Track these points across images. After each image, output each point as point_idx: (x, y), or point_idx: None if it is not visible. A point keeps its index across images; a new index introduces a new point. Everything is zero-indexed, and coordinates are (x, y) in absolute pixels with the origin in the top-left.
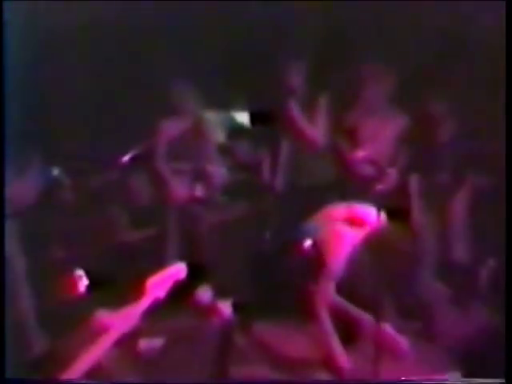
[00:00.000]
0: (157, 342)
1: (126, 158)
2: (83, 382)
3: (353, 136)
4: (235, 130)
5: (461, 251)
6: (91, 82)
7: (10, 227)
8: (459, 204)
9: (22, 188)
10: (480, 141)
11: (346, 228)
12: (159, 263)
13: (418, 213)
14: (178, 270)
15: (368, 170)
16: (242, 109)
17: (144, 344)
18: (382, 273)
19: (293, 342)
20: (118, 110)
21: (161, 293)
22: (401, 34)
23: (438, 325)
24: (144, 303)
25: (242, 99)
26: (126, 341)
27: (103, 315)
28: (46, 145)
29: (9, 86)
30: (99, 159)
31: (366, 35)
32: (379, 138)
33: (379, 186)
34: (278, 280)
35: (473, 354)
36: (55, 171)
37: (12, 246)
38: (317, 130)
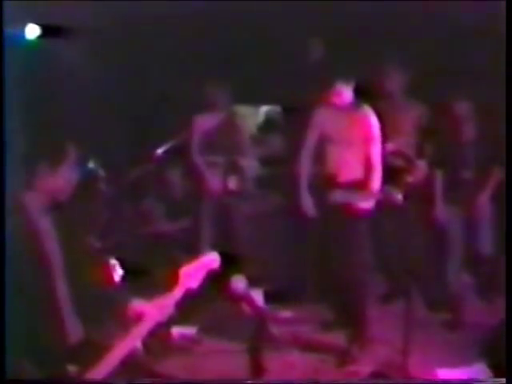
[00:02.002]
0: (190, 331)
1: (161, 151)
2: (87, 381)
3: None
4: (267, 124)
5: (486, 243)
6: (128, 76)
7: (46, 220)
8: (484, 197)
9: (57, 181)
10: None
11: None
12: (193, 254)
13: (444, 205)
14: (212, 259)
15: (397, 162)
16: (274, 103)
17: (178, 333)
18: (409, 263)
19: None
20: (153, 105)
21: (194, 283)
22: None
23: (464, 316)
24: (178, 293)
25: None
26: (161, 330)
27: (138, 304)
28: (81, 138)
29: (39, 79)
30: (135, 152)
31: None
32: (404, 130)
33: (409, 178)
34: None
35: (499, 344)
36: (91, 164)
37: (48, 238)
38: None
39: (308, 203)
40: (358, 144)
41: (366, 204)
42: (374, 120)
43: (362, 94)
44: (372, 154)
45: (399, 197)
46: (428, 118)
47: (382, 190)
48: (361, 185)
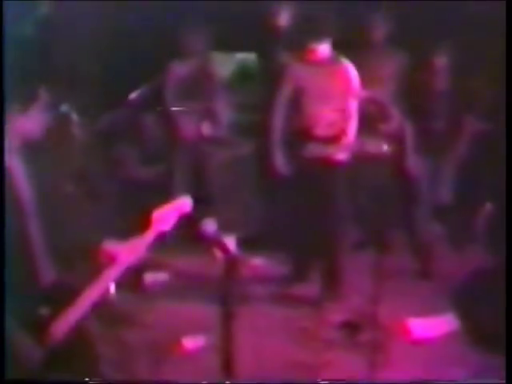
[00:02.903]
0: (162, 276)
1: (134, 96)
2: (88, 382)
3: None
4: (242, 71)
5: (458, 194)
6: (102, 20)
7: (18, 161)
8: (456, 149)
9: (28, 123)
10: (478, 88)
11: None
12: (167, 199)
13: (415, 155)
14: (184, 203)
15: (372, 110)
16: (249, 50)
17: (150, 278)
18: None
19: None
20: (128, 49)
21: (166, 226)
22: None
23: (435, 265)
24: (150, 236)
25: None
26: (133, 274)
27: (110, 246)
28: (54, 81)
29: (16, 20)
30: (109, 97)
31: None
32: (384, 79)
33: (383, 126)
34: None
35: (468, 294)
36: (63, 107)
37: (20, 181)
38: None
39: (280, 159)
40: (336, 98)
41: (342, 155)
42: (353, 73)
43: (343, 47)
44: (349, 107)
45: (377, 146)
46: (406, 68)
47: (357, 141)
48: (337, 137)
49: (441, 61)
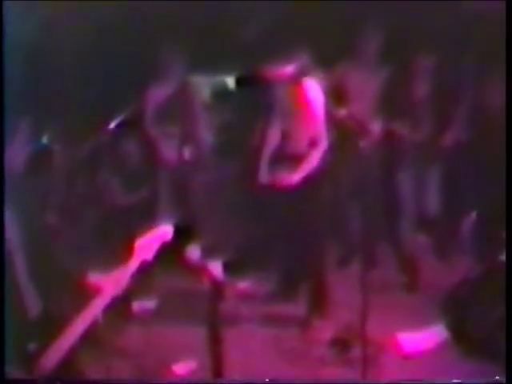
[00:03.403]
0: (150, 304)
1: (115, 123)
2: (89, 381)
3: (338, 93)
4: (221, 93)
5: (441, 204)
6: (80, 48)
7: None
8: (439, 158)
9: (10, 155)
10: (462, 95)
11: None
12: (151, 225)
13: (398, 166)
14: (165, 231)
15: (350, 127)
16: (228, 72)
17: (137, 306)
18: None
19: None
20: (106, 76)
21: (149, 254)
22: None
23: (422, 277)
24: (132, 265)
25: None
26: (119, 303)
27: (95, 277)
28: (34, 111)
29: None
30: (89, 125)
31: None
32: (365, 92)
33: (362, 143)
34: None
35: (456, 305)
36: (44, 139)
37: (3, 214)
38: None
39: (266, 176)
40: (306, 115)
41: (294, 177)
42: (316, 90)
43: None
44: (316, 126)
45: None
46: (391, 80)
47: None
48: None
49: (424, 69)
